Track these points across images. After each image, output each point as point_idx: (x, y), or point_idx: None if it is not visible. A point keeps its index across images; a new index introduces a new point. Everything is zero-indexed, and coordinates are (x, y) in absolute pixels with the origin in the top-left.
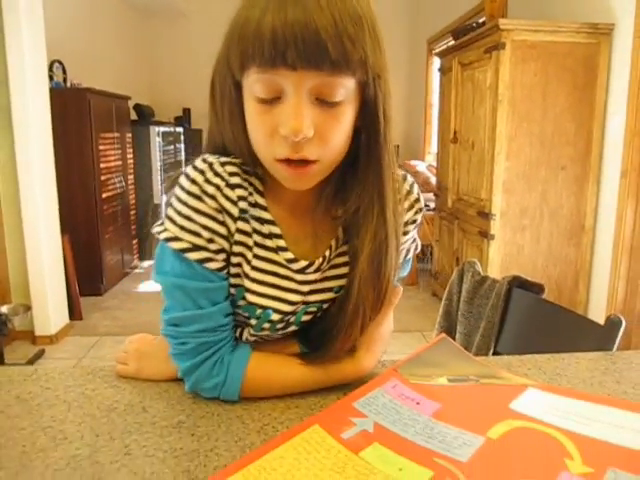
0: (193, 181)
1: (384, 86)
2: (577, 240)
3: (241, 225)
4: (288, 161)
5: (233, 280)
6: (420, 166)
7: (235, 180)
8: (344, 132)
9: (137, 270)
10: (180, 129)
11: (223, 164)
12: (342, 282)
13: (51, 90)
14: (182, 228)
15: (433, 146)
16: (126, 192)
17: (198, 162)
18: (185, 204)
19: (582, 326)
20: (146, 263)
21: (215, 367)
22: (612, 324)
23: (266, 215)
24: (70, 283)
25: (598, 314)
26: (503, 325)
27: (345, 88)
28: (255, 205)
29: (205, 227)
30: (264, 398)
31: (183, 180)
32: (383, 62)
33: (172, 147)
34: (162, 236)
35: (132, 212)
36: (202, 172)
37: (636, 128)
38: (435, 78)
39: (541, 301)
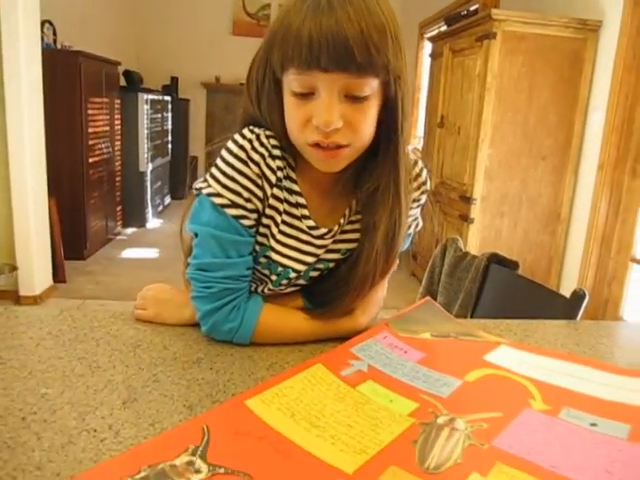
0: (241, 147)
1: (403, 86)
2: (552, 228)
3: (276, 191)
4: (319, 145)
5: (260, 239)
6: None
7: (276, 152)
8: (370, 122)
9: (120, 237)
10: (168, 98)
11: (268, 137)
12: (349, 246)
13: (42, 51)
14: (225, 186)
15: (419, 129)
16: (112, 158)
17: (246, 131)
18: (231, 166)
19: (551, 298)
20: (129, 230)
21: (232, 312)
22: (577, 297)
23: (295, 187)
24: (55, 245)
25: None
26: (480, 297)
27: (369, 86)
28: (287, 177)
29: (246, 188)
30: (271, 344)
31: (231, 145)
32: (403, 65)
33: (159, 115)
34: (205, 191)
35: (117, 179)
36: (250, 140)
37: (615, 124)
38: (425, 62)
39: (515, 276)
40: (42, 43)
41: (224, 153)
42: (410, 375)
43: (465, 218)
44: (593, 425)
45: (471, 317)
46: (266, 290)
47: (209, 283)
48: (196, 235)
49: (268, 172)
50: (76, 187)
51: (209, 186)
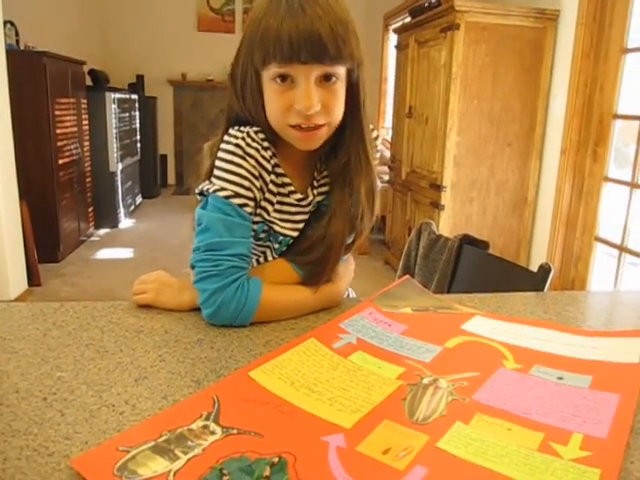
0: (237, 145)
1: (363, 70)
2: (520, 212)
3: (273, 177)
4: (300, 127)
5: (256, 219)
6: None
7: (266, 144)
8: (340, 103)
9: (93, 238)
10: (135, 96)
11: (256, 132)
12: (321, 198)
13: (5, 52)
14: (228, 181)
15: (387, 121)
16: (82, 159)
17: (235, 132)
18: (231, 162)
19: (519, 274)
20: (102, 231)
21: (238, 290)
22: (543, 271)
23: (280, 170)
24: (28, 249)
25: None
26: (454, 276)
27: (339, 72)
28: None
29: (246, 178)
30: (266, 322)
31: (226, 146)
32: (362, 53)
33: (127, 114)
34: (211, 190)
35: (88, 179)
36: (243, 138)
37: (575, 109)
38: (390, 53)
39: (487, 255)
40: (5, 44)
41: (222, 154)
42: (395, 345)
43: (436, 205)
44: (560, 379)
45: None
46: (272, 256)
47: (217, 261)
48: (199, 223)
49: (264, 162)
50: (47, 189)
51: (214, 184)
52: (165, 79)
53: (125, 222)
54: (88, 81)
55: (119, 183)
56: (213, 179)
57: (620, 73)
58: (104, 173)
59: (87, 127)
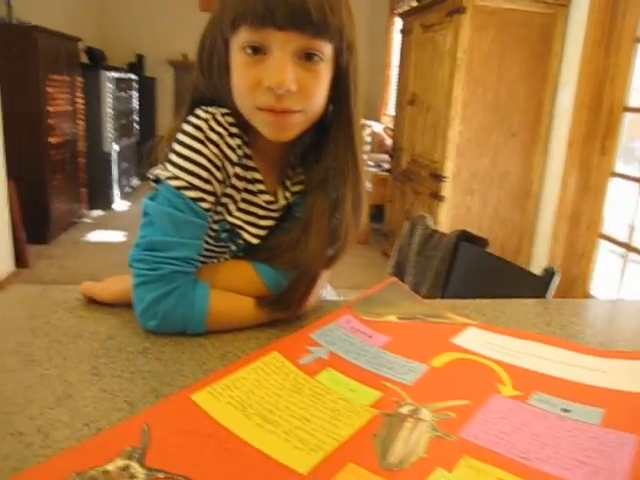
0: (198, 127)
1: (355, 56)
2: (522, 205)
3: (238, 170)
4: (270, 111)
5: (216, 217)
6: (376, 127)
7: (234, 130)
8: (323, 89)
9: (85, 220)
10: (133, 76)
11: (224, 115)
12: (292, 200)
13: None
14: (182, 168)
15: (390, 108)
16: (75, 138)
17: (200, 112)
18: (189, 147)
19: (521, 276)
20: (95, 213)
21: (181, 299)
22: (548, 275)
23: (251, 163)
24: (16, 229)
25: None
26: (450, 275)
27: (324, 51)
28: (244, 154)
29: (205, 168)
30: (225, 331)
31: (186, 127)
32: (355, 34)
33: (125, 94)
34: (163, 176)
35: (81, 160)
36: (206, 120)
37: (584, 101)
38: (396, 38)
39: (485, 254)
40: None
41: (180, 136)
42: (373, 362)
43: (436, 196)
44: (565, 411)
45: (442, 297)
46: (222, 259)
47: (157, 264)
48: (145, 214)
49: (228, 151)
50: (37, 169)
51: (167, 170)
52: (165, 59)
53: (119, 204)
54: (85, 59)
55: (114, 164)
56: (167, 164)
57: (632, 64)
58: (98, 153)
59: (82, 106)
